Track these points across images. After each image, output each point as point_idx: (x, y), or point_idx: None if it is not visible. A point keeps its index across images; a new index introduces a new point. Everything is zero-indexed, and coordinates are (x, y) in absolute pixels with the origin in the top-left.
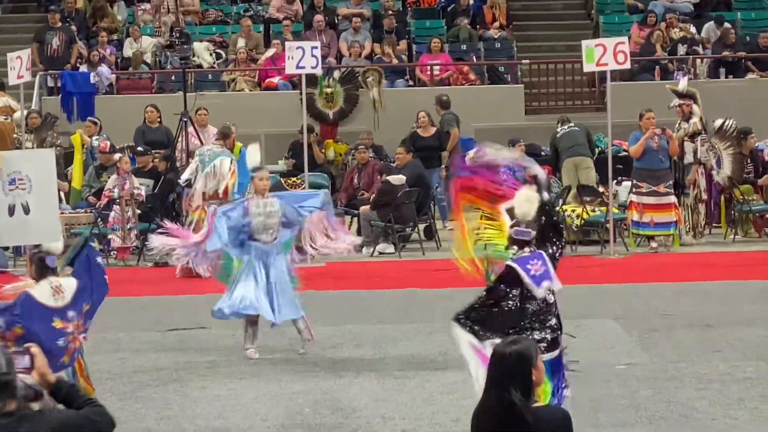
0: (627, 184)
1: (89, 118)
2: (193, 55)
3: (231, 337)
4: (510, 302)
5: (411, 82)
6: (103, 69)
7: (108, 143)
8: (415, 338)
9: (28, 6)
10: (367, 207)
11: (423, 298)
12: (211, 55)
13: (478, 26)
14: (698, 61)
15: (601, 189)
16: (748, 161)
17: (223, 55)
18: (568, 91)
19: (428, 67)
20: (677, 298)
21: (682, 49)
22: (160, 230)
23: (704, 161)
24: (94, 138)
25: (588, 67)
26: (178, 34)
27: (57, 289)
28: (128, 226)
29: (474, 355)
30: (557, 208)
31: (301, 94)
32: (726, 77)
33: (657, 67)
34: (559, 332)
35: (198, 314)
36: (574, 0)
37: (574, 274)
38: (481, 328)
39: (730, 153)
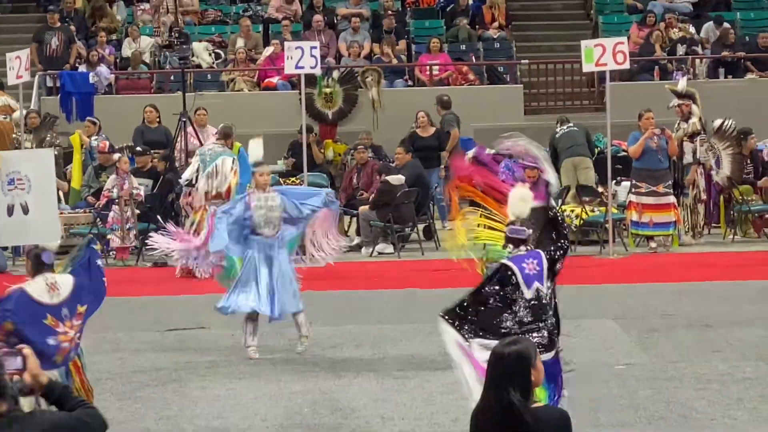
0: (626, 184)
1: (88, 118)
2: (192, 55)
3: (230, 337)
4: (499, 302)
5: (410, 82)
6: (102, 69)
7: (107, 143)
8: (415, 338)
9: (28, 6)
10: (366, 207)
11: (422, 298)
12: (210, 55)
13: (477, 26)
14: (697, 61)
15: (600, 189)
16: (748, 162)
17: (222, 55)
18: (567, 91)
19: (427, 67)
20: (676, 298)
21: (681, 49)
22: (162, 231)
23: (703, 161)
24: (93, 138)
25: (587, 67)
26: (177, 34)
27: (52, 286)
28: (127, 226)
29: (460, 353)
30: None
31: (300, 94)
32: (725, 77)
33: (656, 67)
34: (555, 333)
35: (197, 314)
36: (573, 0)
37: (573, 274)
38: (467, 326)
39: (729, 153)
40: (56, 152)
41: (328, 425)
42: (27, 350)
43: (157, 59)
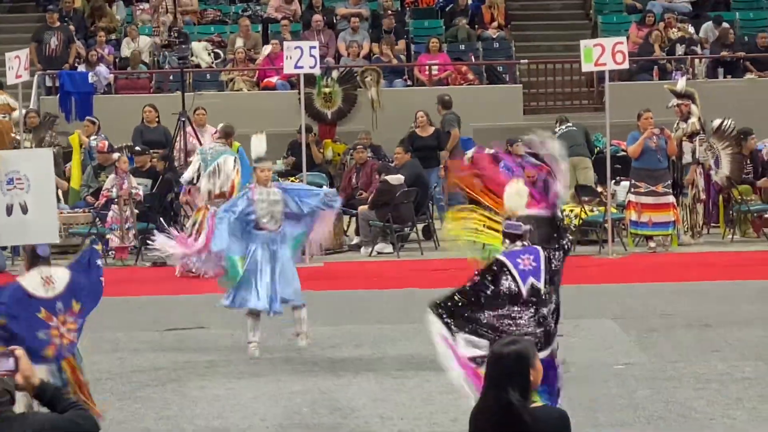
0: (625, 183)
1: (87, 117)
2: (192, 55)
3: (230, 337)
4: (491, 297)
5: (409, 82)
6: (102, 69)
7: (106, 143)
8: (414, 338)
9: (27, 6)
10: (366, 207)
11: (422, 298)
12: (209, 54)
13: (476, 26)
14: (696, 61)
15: (599, 189)
16: (748, 162)
17: (222, 54)
18: (566, 90)
19: (427, 67)
20: (675, 298)
21: (680, 49)
22: (164, 234)
23: (702, 161)
24: (92, 138)
25: (586, 67)
26: (176, 34)
27: (47, 280)
28: (126, 226)
29: (445, 347)
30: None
31: (299, 93)
32: (724, 77)
33: (655, 67)
34: (552, 331)
35: (196, 314)
36: (573, 0)
37: (573, 274)
38: (455, 320)
39: (728, 153)
40: (55, 151)
41: (327, 425)
42: (19, 351)
43: (156, 59)
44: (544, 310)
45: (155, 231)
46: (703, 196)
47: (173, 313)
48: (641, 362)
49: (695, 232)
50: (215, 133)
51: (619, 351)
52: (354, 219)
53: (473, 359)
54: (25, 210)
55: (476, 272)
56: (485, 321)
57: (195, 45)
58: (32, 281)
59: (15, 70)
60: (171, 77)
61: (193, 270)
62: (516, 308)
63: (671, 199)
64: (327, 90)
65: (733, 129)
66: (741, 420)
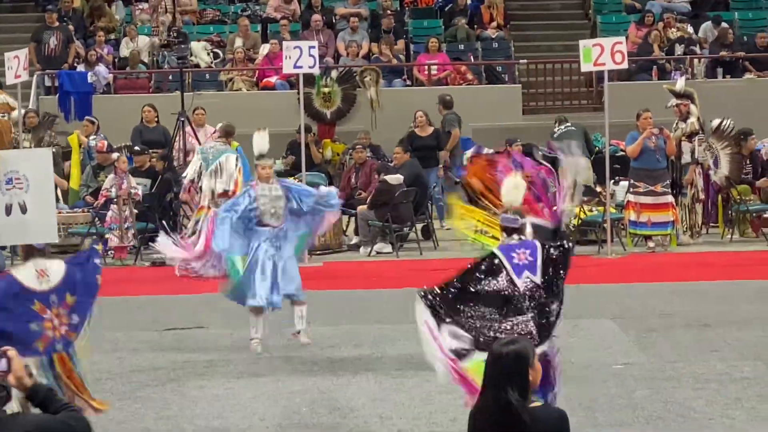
0: (624, 183)
1: (87, 117)
2: (191, 55)
3: (229, 337)
4: (482, 289)
5: (408, 82)
6: (101, 68)
7: (105, 143)
8: (413, 338)
9: (26, 5)
10: (365, 206)
11: None
12: (208, 54)
13: (475, 26)
14: (695, 60)
15: (598, 189)
16: (747, 162)
17: (221, 54)
18: (565, 90)
19: (426, 67)
20: (674, 298)
21: (679, 49)
22: (167, 237)
23: (702, 161)
24: (91, 138)
25: (585, 66)
26: (175, 34)
27: (41, 272)
28: (125, 226)
29: (429, 336)
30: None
31: (298, 93)
32: (723, 77)
33: (654, 67)
34: (546, 328)
35: (196, 314)
36: (572, 0)
37: (572, 274)
38: (444, 309)
39: (727, 153)
40: (55, 151)
41: (326, 425)
42: (12, 352)
43: (155, 59)
44: (541, 306)
45: (159, 234)
46: (702, 196)
47: (172, 313)
48: (640, 362)
49: (694, 232)
50: (214, 132)
51: (618, 351)
52: (353, 219)
53: (456, 351)
54: (24, 210)
55: (469, 264)
56: (470, 315)
57: (194, 45)
58: (26, 274)
59: (14, 70)
60: (170, 77)
61: (193, 274)
62: (507, 301)
63: (670, 199)
64: (326, 90)
65: (732, 129)
66: (740, 420)
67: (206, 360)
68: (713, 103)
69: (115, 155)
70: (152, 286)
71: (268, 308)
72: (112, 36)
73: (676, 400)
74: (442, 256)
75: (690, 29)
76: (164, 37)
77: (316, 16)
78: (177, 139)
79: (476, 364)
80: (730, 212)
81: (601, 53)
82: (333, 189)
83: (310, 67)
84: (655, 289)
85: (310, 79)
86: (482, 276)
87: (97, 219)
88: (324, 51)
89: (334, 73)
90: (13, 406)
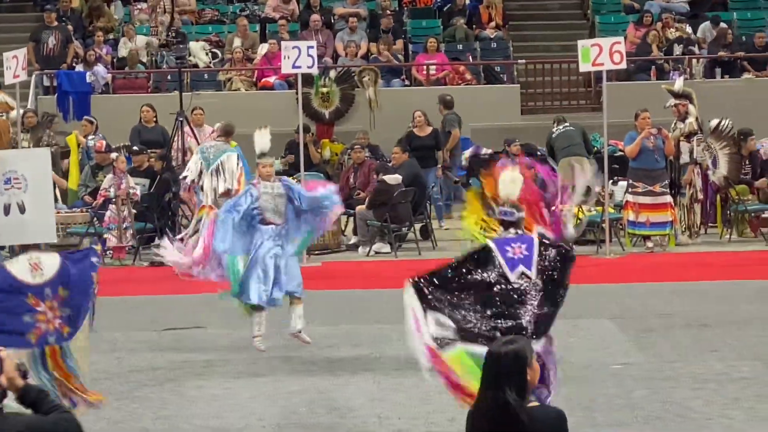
0: (623, 183)
1: (85, 117)
2: (189, 55)
3: (227, 337)
4: (472, 280)
5: (407, 82)
6: (99, 68)
7: (104, 143)
8: None
9: (25, 5)
10: (363, 206)
11: None
12: (207, 54)
13: (474, 26)
14: (694, 61)
15: (597, 189)
16: (747, 162)
17: (219, 54)
18: (564, 90)
19: (424, 67)
20: (673, 298)
21: (678, 49)
22: (169, 243)
23: (700, 161)
24: (90, 137)
25: (584, 66)
26: (174, 34)
27: (35, 265)
28: (124, 226)
29: (412, 322)
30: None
31: (297, 93)
32: (722, 77)
33: (653, 67)
34: (537, 325)
35: (194, 314)
36: (570, 0)
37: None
38: (432, 296)
39: (726, 153)
40: (54, 151)
41: (324, 424)
42: (3, 353)
43: (154, 59)
44: (534, 301)
45: (162, 238)
46: (700, 196)
47: (171, 313)
48: (639, 362)
49: (693, 232)
50: (213, 132)
51: (617, 351)
52: (352, 219)
53: (439, 339)
54: (22, 209)
55: (462, 256)
56: (457, 305)
57: (193, 45)
58: (20, 267)
59: (13, 70)
60: (169, 77)
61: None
62: (498, 294)
63: (669, 199)
64: (325, 90)
65: (730, 129)
66: (738, 420)
67: (204, 360)
68: (712, 103)
69: (113, 155)
70: (151, 286)
71: (267, 306)
72: (111, 36)
73: (675, 400)
74: (441, 256)
75: (688, 29)
76: (163, 37)
77: (315, 16)
78: (175, 139)
79: (458, 355)
80: (728, 212)
81: (600, 53)
82: (331, 186)
83: (308, 67)
84: (654, 289)
85: (308, 79)
86: (473, 267)
87: (95, 219)
88: (322, 51)
89: (332, 73)
90: (12, 405)
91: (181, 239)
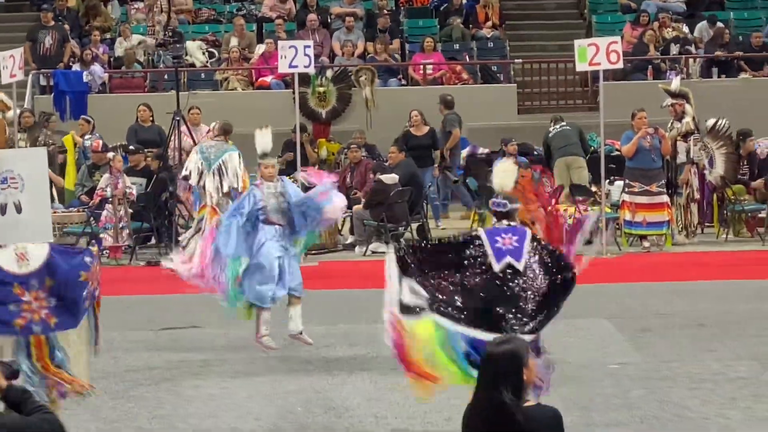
0: (619, 183)
1: (82, 116)
2: (186, 54)
3: (224, 336)
4: (455, 262)
5: (404, 82)
6: (96, 68)
7: (100, 142)
8: None
9: (21, 5)
10: (360, 206)
11: None
12: (203, 54)
13: (470, 26)
14: (691, 60)
15: (593, 188)
16: (745, 162)
17: (216, 54)
18: (560, 90)
19: (421, 67)
20: (670, 298)
21: (674, 49)
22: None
23: (697, 161)
24: (87, 137)
25: (581, 66)
26: (170, 33)
27: (21, 256)
28: (120, 225)
29: (389, 287)
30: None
31: (293, 93)
32: (718, 77)
33: (650, 66)
34: (524, 319)
35: (191, 313)
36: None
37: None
38: (413, 265)
39: (722, 153)
40: (51, 150)
41: (321, 424)
42: None
43: (150, 58)
44: (524, 295)
45: (172, 250)
46: (697, 195)
47: (167, 313)
48: (636, 362)
49: (689, 231)
50: (209, 131)
51: (614, 351)
52: (348, 218)
53: (408, 307)
54: (19, 209)
55: (451, 236)
56: (434, 278)
57: (189, 44)
58: (6, 257)
59: (9, 70)
60: (165, 76)
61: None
62: (480, 282)
63: (665, 198)
64: (321, 89)
65: (727, 129)
66: (735, 420)
67: (201, 359)
68: (708, 102)
69: (110, 154)
70: (147, 285)
71: (272, 304)
72: (108, 35)
73: (672, 400)
74: None
75: (685, 29)
76: (160, 37)
77: (312, 16)
78: (172, 138)
79: (424, 324)
80: (725, 212)
81: (597, 53)
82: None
83: (305, 67)
84: (651, 289)
85: (305, 79)
86: (458, 250)
87: (92, 218)
88: (319, 50)
89: (329, 73)
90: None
91: (184, 246)
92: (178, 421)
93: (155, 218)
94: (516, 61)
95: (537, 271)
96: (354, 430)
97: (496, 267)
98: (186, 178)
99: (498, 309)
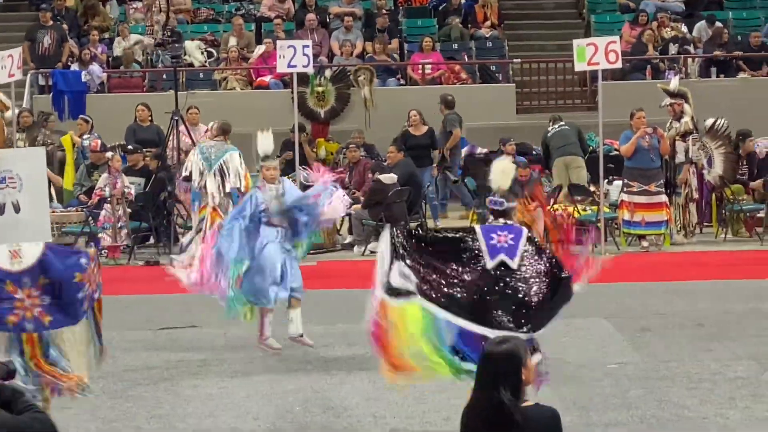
0: (618, 183)
1: (81, 116)
2: (185, 54)
3: (223, 336)
4: (448, 252)
5: (402, 81)
6: (95, 67)
7: (99, 142)
8: None
9: (20, 4)
10: (359, 206)
11: None
12: (202, 53)
13: (469, 25)
14: (689, 60)
15: (592, 188)
16: (744, 163)
17: (215, 53)
18: (559, 90)
19: (420, 66)
20: (669, 298)
21: (673, 49)
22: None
23: (695, 160)
24: (85, 137)
25: (579, 66)
26: (169, 33)
27: (15, 253)
28: (119, 225)
29: (379, 267)
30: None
31: (292, 92)
32: (717, 77)
33: (648, 66)
34: (515, 318)
35: (189, 313)
36: None
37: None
38: (406, 249)
39: (721, 152)
40: (50, 150)
41: (319, 424)
42: None
43: (149, 58)
44: (517, 294)
45: (171, 250)
46: (695, 195)
47: (166, 312)
48: (634, 361)
49: (688, 231)
50: (207, 131)
51: (613, 350)
52: (347, 218)
53: (396, 289)
54: (17, 209)
55: (449, 230)
56: (424, 264)
57: (188, 44)
58: None
59: (8, 69)
60: (164, 76)
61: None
62: (472, 277)
63: (664, 198)
64: (320, 89)
65: (726, 128)
66: (734, 419)
67: (200, 359)
68: (707, 102)
69: (108, 154)
70: (146, 285)
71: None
72: (106, 35)
73: (670, 400)
74: None
75: (684, 29)
76: (158, 36)
77: (310, 15)
78: (171, 138)
79: (411, 308)
80: (723, 212)
81: (595, 53)
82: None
83: (304, 66)
84: (649, 289)
85: (304, 78)
86: (453, 242)
87: (90, 218)
88: (318, 50)
89: (328, 73)
90: None
91: (184, 248)
92: (177, 420)
93: (154, 218)
94: (515, 60)
95: (531, 273)
96: (352, 429)
97: (489, 264)
98: (187, 179)
99: (487, 304)
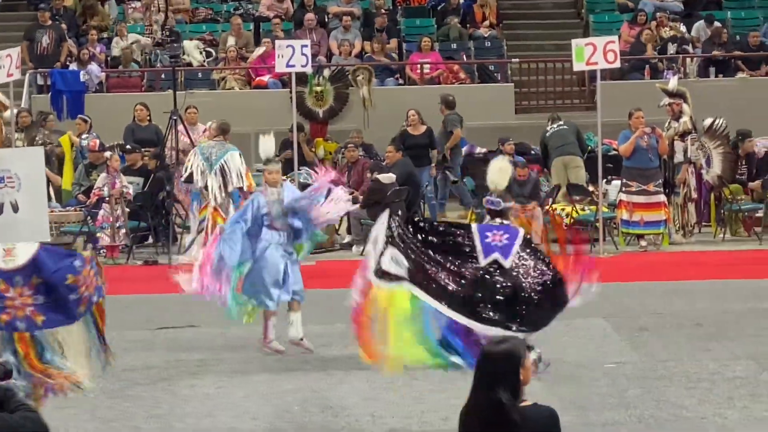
0: (616, 183)
1: (79, 116)
2: (183, 54)
3: (221, 336)
4: (441, 243)
5: (401, 81)
6: (93, 67)
7: (97, 141)
8: None
9: (18, 4)
10: (357, 206)
11: None
12: (201, 53)
13: (468, 25)
14: (688, 60)
15: (590, 188)
16: (743, 163)
17: (213, 53)
18: (558, 90)
19: (418, 66)
20: (667, 297)
21: (672, 48)
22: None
23: (694, 160)
24: (84, 136)
25: (578, 66)
26: (168, 33)
27: (8, 251)
28: (117, 225)
29: (370, 251)
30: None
31: (291, 92)
32: (716, 76)
33: (647, 66)
34: (509, 317)
35: (188, 313)
36: None
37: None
38: (402, 237)
39: (720, 152)
40: (48, 149)
41: (318, 423)
42: None
43: (148, 57)
44: (510, 292)
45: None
46: (694, 195)
47: (165, 312)
48: (632, 361)
49: (686, 231)
50: (205, 131)
51: (611, 350)
52: (345, 218)
53: (386, 273)
54: (16, 208)
55: (443, 225)
56: (417, 253)
57: (187, 43)
58: None
59: (6, 69)
60: (162, 76)
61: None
62: (463, 271)
63: (662, 198)
64: (318, 89)
65: (724, 128)
66: (732, 419)
67: (198, 359)
68: (706, 102)
69: (107, 154)
70: (144, 284)
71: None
72: (105, 35)
73: (669, 399)
74: None
75: (683, 28)
76: (157, 36)
77: (309, 15)
78: (169, 137)
79: (399, 294)
80: (722, 211)
81: (594, 52)
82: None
83: (302, 66)
84: (648, 288)
85: (302, 78)
86: (449, 236)
87: (89, 218)
88: (316, 50)
89: (326, 72)
90: None
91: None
92: (175, 420)
93: (152, 217)
94: (513, 60)
95: (525, 274)
96: (351, 429)
97: (483, 261)
98: (188, 180)
99: (477, 299)
